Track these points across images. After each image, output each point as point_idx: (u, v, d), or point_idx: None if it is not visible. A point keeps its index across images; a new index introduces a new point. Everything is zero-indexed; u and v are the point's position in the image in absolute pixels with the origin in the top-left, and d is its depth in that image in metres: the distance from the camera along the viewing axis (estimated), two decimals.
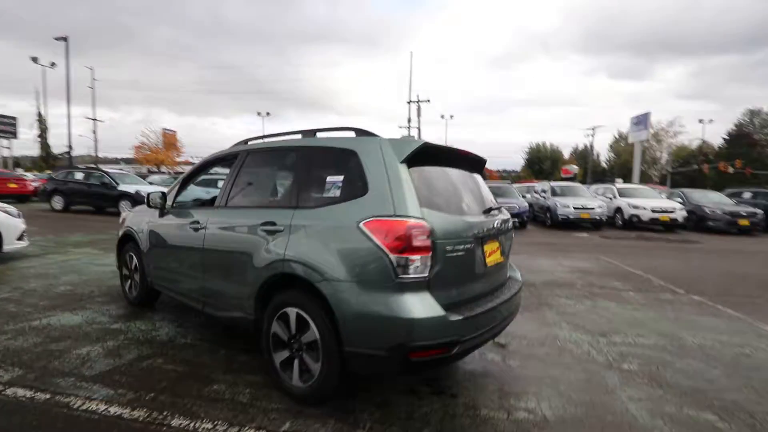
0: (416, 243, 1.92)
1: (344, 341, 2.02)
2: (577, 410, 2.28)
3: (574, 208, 13.18)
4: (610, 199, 14.83)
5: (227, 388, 2.42)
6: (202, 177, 3.93)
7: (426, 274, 1.95)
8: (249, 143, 3.12)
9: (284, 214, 2.40)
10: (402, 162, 2.14)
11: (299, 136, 2.77)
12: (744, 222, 12.83)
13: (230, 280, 2.70)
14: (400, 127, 35.92)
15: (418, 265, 1.93)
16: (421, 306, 1.91)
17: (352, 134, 2.51)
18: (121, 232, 4.03)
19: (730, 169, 29.71)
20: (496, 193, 14.51)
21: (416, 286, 1.93)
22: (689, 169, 37.28)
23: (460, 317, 1.99)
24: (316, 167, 2.46)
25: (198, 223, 2.98)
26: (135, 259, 3.79)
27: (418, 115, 30.23)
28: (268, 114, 41.59)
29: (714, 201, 14.27)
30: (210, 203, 3.26)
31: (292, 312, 2.26)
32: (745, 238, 12.26)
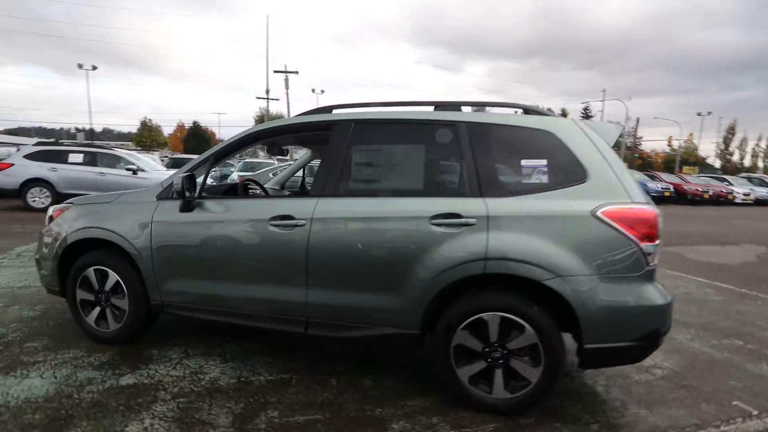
0: (658, 230, 1.91)
1: (585, 338, 1.89)
2: None
3: None
4: None
5: (413, 425, 1.95)
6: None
7: (657, 261, 1.97)
8: (335, 112, 2.42)
9: (470, 204, 2.01)
10: (612, 146, 2.06)
11: (427, 109, 2.32)
12: None
13: (373, 290, 2.12)
14: (259, 98, 32.91)
15: (658, 252, 1.93)
16: (660, 292, 1.94)
17: (507, 111, 2.26)
18: (68, 238, 2.60)
19: None
20: None
21: (654, 272, 1.94)
22: None
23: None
24: (497, 148, 2.12)
25: (291, 218, 2.18)
26: (117, 277, 2.53)
27: (287, 87, 28.07)
28: (94, 68, 31.39)
29: None
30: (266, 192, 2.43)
31: (491, 317, 1.96)
32: None
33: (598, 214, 1.88)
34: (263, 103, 34.58)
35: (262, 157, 19.55)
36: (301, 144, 3.37)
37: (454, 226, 2.00)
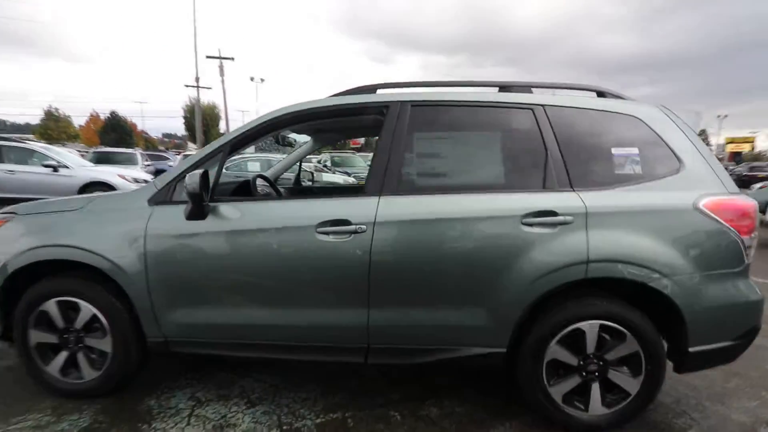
0: (757, 222, 1.81)
1: (691, 341, 1.74)
2: None
3: None
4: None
5: None
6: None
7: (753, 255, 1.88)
8: (381, 92, 2.02)
9: (565, 199, 1.75)
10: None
11: (489, 90, 2.02)
12: None
13: (453, 306, 1.79)
14: (188, 86, 30.04)
15: (754, 246, 1.84)
16: (754, 287, 1.84)
17: (582, 95, 2.03)
18: (12, 263, 1.90)
19: None
20: (346, 163, 14.90)
21: (749, 267, 1.85)
22: None
23: None
24: (583, 135, 1.87)
25: (347, 223, 1.76)
26: (93, 310, 1.90)
27: (221, 74, 25.76)
28: None
29: None
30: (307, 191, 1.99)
31: (590, 326, 1.74)
32: None
33: (701, 206, 1.72)
34: (193, 92, 31.77)
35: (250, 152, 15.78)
36: (315, 133, 2.87)
37: (549, 226, 1.72)
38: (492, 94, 1.97)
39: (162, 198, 1.90)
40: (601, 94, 2.01)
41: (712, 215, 1.72)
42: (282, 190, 2.88)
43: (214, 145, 1.97)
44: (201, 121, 25.95)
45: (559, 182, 1.79)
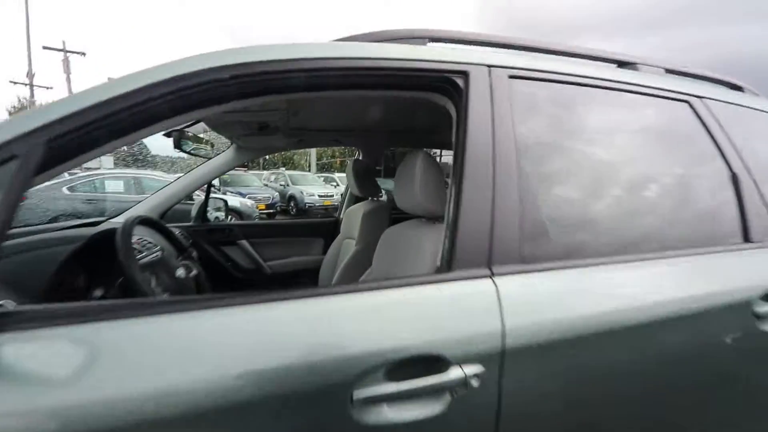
0: None
1: None
2: None
3: (319, 196, 13.73)
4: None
5: None
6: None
7: None
8: (432, 45, 0.99)
9: None
10: None
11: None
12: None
13: None
14: (15, 83, 23.44)
15: None
16: None
17: None
18: None
19: None
20: (238, 182, 12.93)
21: None
22: None
23: None
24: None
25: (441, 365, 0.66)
26: None
27: (67, 71, 20.41)
28: None
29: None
30: None
31: None
32: None
33: None
34: (24, 92, 25.03)
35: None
36: (253, 132, 1.60)
37: None
38: (643, 75, 1.11)
39: None
40: (736, 87, 1.33)
41: None
42: (211, 251, 1.51)
43: None
44: None
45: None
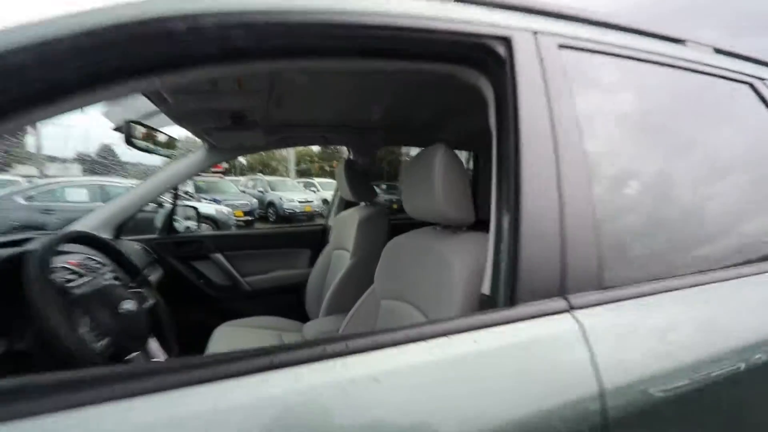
0: None
1: None
2: None
3: (299, 202, 13.35)
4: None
5: None
6: None
7: None
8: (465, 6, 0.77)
9: None
10: None
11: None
12: None
13: None
14: None
15: None
16: None
17: None
18: None
19: None
20: (214, 189, 12.39)
21: None
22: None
23: None
24: None
25: None
26: None
27: None
28: None
29: None
30: None
31: None
32: None
33: None
34: None
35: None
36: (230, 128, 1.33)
37: None
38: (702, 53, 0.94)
39: None
40: None
41: None
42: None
43: None
44: None
45: None
